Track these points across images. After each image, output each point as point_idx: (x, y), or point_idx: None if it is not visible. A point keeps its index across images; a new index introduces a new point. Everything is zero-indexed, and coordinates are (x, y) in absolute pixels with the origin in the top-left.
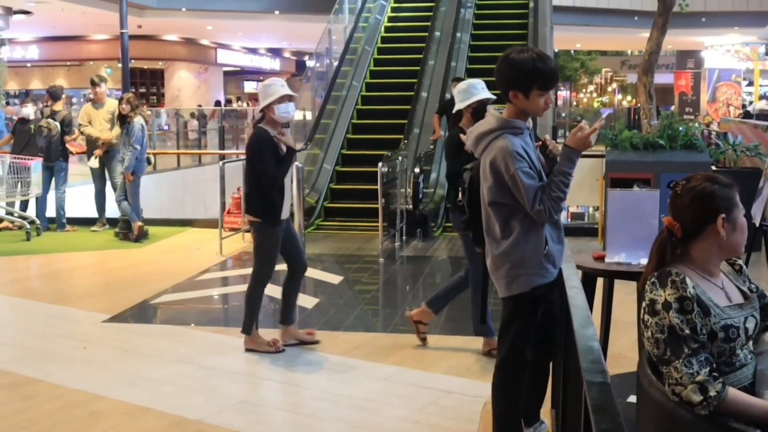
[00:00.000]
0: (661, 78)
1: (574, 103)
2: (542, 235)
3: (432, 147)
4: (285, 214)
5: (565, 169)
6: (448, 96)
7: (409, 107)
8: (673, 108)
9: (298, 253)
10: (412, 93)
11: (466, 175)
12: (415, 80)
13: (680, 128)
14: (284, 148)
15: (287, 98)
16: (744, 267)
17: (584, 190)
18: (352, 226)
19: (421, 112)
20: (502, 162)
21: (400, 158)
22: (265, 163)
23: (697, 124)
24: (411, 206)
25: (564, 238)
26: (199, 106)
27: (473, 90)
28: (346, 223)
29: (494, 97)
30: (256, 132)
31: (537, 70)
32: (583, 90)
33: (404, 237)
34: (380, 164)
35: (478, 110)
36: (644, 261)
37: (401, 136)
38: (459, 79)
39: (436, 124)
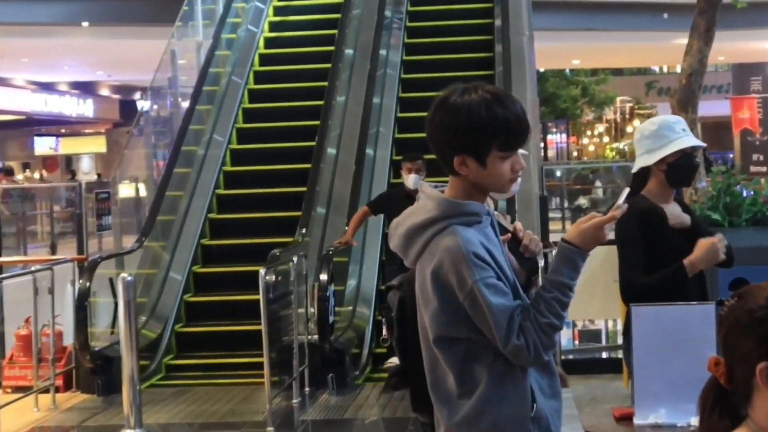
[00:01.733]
0: (712, 108)
1: (575, 153)
2: (525, 386)
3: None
4: None
5: (563, 280)
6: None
7: (304, 185)
8: (733, 156)
9: None
10: (311, 151)
11: (392, 298)
12: (314, 133)
13: (745, 192)
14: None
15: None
16: None
17: (597, 295)
18: (220, 375)
19: (328, 179)
20: (453, 271)
21: (295, 259)
22: None
23: None
24: (317, 337)
25: (560, 387)
26: None
27: (668, 133)
28: (209, 373)
29: (704, 144)
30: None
31: (495, 119)
32: (588, 131)
33: (307, 388)
34: (263, 271)
35: (677, 167)
36: (696, 420)
37: (291, 235)
38: (415, 158)
39: (355, 222)
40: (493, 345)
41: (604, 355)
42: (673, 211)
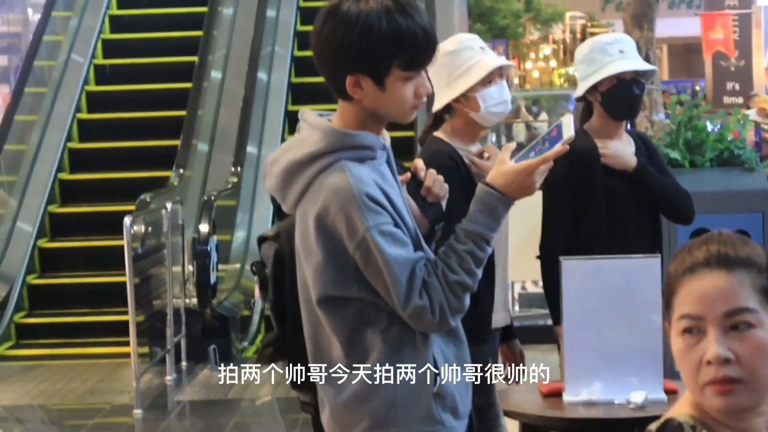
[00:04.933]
0: (680, 26)
1: (516, 79)
2: (426, 356)
3: (231, 186)
4: (498, 321)
5: (479, 230)
6: None
7: (183, 108)
8: (700, 87)
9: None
10: (192, 69)
11: (267, 250)
12: (195, 48)
13: (710, 126)
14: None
15: (499, 73)
16: None
17: (532, 251)
18: (80, 342)
19: (212, 108)
20: (341, 217)
21: (169, 205)
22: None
23: (740, 116)
24: (196, 301)
25: (469, 358)
26: None
27: (599, 56)
28: (66, 342)
29: (651, 67)
30: (428, 149)
31: (397, 32)
32: (532, 54)
33: (184, 363)
34: (128, 220)
35: (611, 97)
36: (637, 396)
37: (168, 172)
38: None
39: None
40: (389, 306)
41: (549, 322)
42: (614, 149)
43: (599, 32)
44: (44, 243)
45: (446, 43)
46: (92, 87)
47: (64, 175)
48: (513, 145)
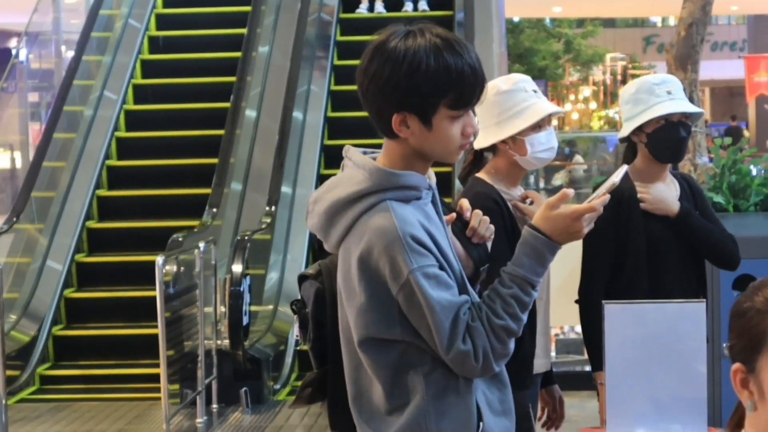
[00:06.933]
0: (723, 69)
1: (555, 122)
2: (470, 401)
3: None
4: (539, 366)
5: (525, 274)
6: None
7: (216, 156)
8: (744, 131)
9: None
10: (226, 114)
11: (307, 290)
12: (229, 92)
13: (754, 170)
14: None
15: (548, 119)
16: None
17: (571, 296)
18: (107, 389)
19: (246, 148)
20: (385, 258)
21: (202, 245)
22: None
23: None
24: (228, 342)
25: (512, 403)
26: None
27: (647, 97)
28: (93, 388)
29: (700, 110)
30: (471, 190)
31: (445, 70)
32: (572, 95)
33: (215, 405)
34: (160, 260)
35: (657, 139)
36: None
37: (199, 217)
38: None
39: None
40: (433, 350)
41: (587, 368)
42: (656, 193)
43: (640, 74)
44: (71, 293)
45: (499, 81)
46: (122, 132)
47: (93, 224)
48: (571, 191)
